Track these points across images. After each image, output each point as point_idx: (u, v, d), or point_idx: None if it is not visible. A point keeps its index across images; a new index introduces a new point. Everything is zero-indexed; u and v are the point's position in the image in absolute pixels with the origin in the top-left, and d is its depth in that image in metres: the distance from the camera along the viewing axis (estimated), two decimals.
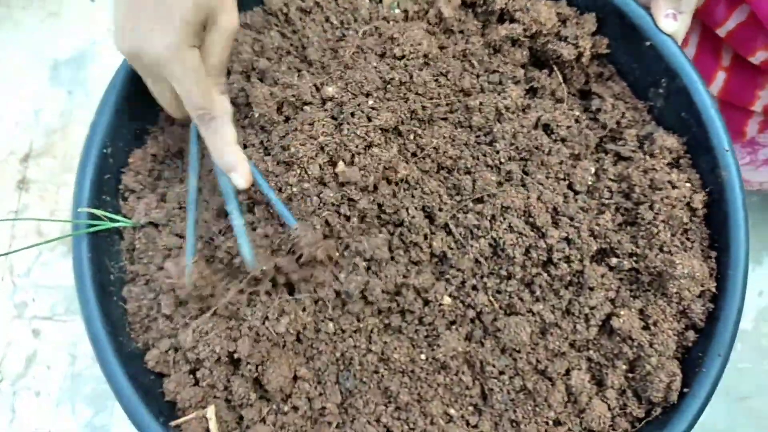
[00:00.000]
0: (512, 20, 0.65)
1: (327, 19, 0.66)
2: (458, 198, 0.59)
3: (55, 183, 1.09)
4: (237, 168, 0.55)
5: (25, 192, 1.10)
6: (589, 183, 0.61)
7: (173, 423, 0.54)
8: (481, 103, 0.61)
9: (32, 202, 1.09)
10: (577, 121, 0.64)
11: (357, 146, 0.56)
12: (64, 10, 1.17)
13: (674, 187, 0.60)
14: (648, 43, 0.63)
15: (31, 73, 1.15)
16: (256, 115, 0.59)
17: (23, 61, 1.15)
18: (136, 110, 0.63)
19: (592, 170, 0.61)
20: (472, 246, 0.57)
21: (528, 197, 0.57)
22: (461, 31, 0.65)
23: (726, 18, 0.74)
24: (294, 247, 0.55)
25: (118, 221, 0.59)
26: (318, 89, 0.60)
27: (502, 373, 0.57)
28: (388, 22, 0.65)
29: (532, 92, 0.66)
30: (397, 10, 0.66)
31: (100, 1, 1.18)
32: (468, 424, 0.57)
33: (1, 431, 0.98)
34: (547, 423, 0.56)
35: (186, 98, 0.53)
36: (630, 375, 0.57)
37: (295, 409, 0.57)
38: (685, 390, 0.55)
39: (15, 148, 1.11)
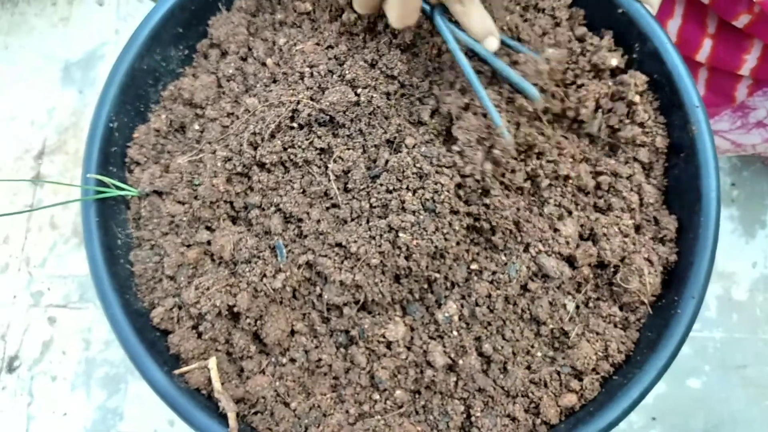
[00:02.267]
0: None
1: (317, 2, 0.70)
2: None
3: (68, 178, 1.15)
4: (493, 29, 0.60)
5: (39, 187, 1.15)
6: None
7: (177, 371, 0.58)
8: None
9: (46, 197, 1.14)
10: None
11: None
12: (74, 15, 1.23)
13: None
14: (620, 10, 0.67)
15: (44, 75, 1.20)
16: None
17: (37, 63, 1.21)
18: (140, 89, 0.67)
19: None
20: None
21: None
22: None
23: None
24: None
25: (124, 189, 0.63)
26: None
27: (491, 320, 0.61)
28: None
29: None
30: None
31: (108, 5, 1.24)
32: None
33: (20, 414, 1.02)
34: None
35: None
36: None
37: (293, 361, 0.61)
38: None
39: (30, 145, 1.17)
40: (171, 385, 0.57)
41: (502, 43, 0.63)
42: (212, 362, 0.59)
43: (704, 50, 0.84)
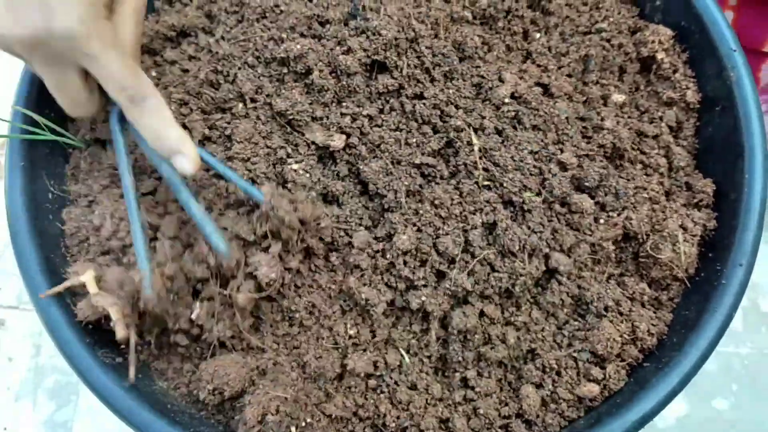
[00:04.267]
0: None
1: None
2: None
3: None
4: (182, 148, 0.46)
5: None
6: None
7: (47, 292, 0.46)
8: None
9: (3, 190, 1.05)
10: None
11: None
12: None
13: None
14: None
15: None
16: None
17: None
18: None
19: None
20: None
21: None
22: None
23: None
24: (273, 219, 0.47)
25: (60, 134, 0.54)
26: None
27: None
28: None
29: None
30: None
31: None
32: None
33: None
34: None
35: (109, 79, 0.45)
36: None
37: None
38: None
39: None
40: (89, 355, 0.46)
41: (207, 163, 0.48)
42: (88, 275, 0.46)
43: None
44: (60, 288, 0.46)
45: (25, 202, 0.50)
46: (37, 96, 0.53)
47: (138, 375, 0.48)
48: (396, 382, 0.49)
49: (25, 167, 0.51)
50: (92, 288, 0.44)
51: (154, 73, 0.59)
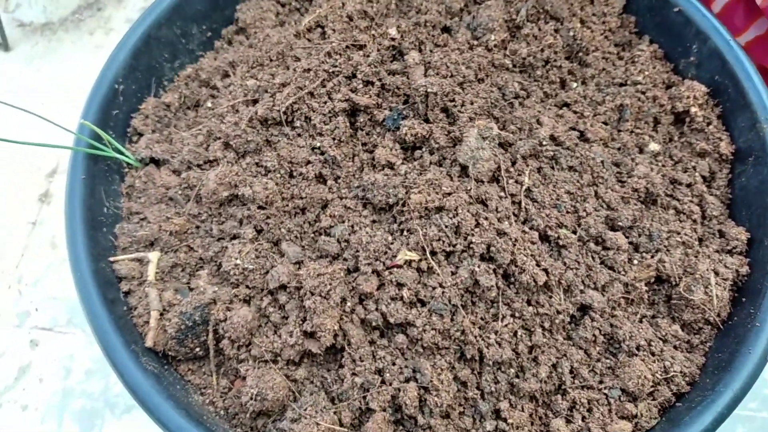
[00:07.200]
0: None
1: None
2: None
3: None
4: None
5: (46, 205, 1.10)
6: None
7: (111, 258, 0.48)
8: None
9: (51, 216, 1.09)
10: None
11: None
12: (108, 43, 1.24)
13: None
14: (676, 9, 0.61)
15: (69, 98, 1.19)
16: None
17: (65, 87, 1.20)
18: (154, 60, 0.63)
19: None
20: None
21: None
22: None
23: (744, 28, 0.72)
24: None
25: (120, 152, 0.57)
26: None
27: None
28: None
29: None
30: None
31: None
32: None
33: None
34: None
35: None
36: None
37: None
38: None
39: (43, 163, 1.13)
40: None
41: None
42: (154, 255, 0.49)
43: None
44: (128, 256, 0.49)
45: (84, 213, 0.53)
46: (102, 119, 0.57)
47: (176, 386, 0.49)
48: (431, 411, 0.50)
49: (86, 180, 0.54)
50: (151, 272, 0.47)
51: (210, 104, 0.63)
